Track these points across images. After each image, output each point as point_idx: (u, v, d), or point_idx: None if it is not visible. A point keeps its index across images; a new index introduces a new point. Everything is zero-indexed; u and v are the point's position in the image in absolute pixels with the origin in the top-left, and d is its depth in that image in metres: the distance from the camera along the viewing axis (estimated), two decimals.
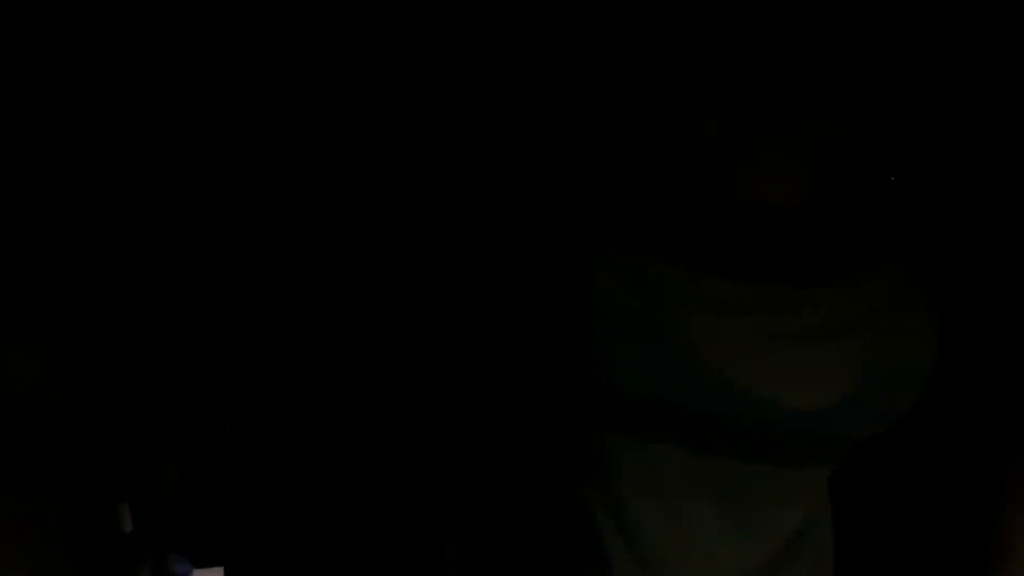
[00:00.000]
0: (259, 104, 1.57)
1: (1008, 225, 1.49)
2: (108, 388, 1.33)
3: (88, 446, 1.27)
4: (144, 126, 1.53)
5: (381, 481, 1.63)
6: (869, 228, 1.13)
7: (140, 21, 1.48)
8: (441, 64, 1.56)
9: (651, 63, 1.18)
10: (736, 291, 1.05)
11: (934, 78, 1.45)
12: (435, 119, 1.58)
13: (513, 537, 1.28)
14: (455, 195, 1.59)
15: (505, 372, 1.34)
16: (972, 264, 1.48)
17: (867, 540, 1.41)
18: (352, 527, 1.63)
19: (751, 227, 1.08)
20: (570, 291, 1.09)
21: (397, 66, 1.57)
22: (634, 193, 1.14)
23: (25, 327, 1.29)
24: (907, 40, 1.12)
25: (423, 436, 1.62)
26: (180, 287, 1.56)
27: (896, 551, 1.53)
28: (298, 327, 1.62)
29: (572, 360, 1.13)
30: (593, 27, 1.49)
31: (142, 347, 1.49)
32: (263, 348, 1.62)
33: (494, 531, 1.35)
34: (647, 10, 1.21)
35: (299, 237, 1.61)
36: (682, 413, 1.09)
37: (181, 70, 1.52)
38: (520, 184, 1.52)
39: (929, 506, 1.53)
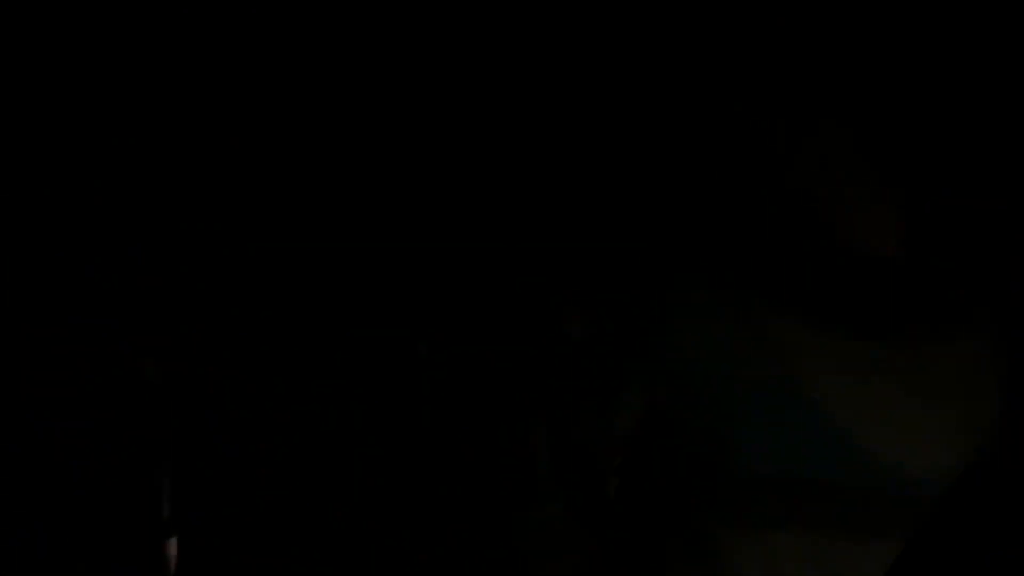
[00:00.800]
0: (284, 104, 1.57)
1: None
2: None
3: None
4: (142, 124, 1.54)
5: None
6: (970, 281, 1.09)
7: (140, 21, 1.49)
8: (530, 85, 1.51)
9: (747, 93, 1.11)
10: (867, 350, 0.99)
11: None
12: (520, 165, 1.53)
13: None
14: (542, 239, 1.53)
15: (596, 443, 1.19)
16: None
17: None
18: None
19: (867, 280, 1.02)
20: (677, 353, 1.01)
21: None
22: (741, 241, 1.07)
23: None
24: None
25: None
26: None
27: None
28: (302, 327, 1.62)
29: (679, 438, 1.04)
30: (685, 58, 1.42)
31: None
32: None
33: None
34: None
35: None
36: (807, 489, 1.02)
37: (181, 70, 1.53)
38: (621, 224, 1.46)
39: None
